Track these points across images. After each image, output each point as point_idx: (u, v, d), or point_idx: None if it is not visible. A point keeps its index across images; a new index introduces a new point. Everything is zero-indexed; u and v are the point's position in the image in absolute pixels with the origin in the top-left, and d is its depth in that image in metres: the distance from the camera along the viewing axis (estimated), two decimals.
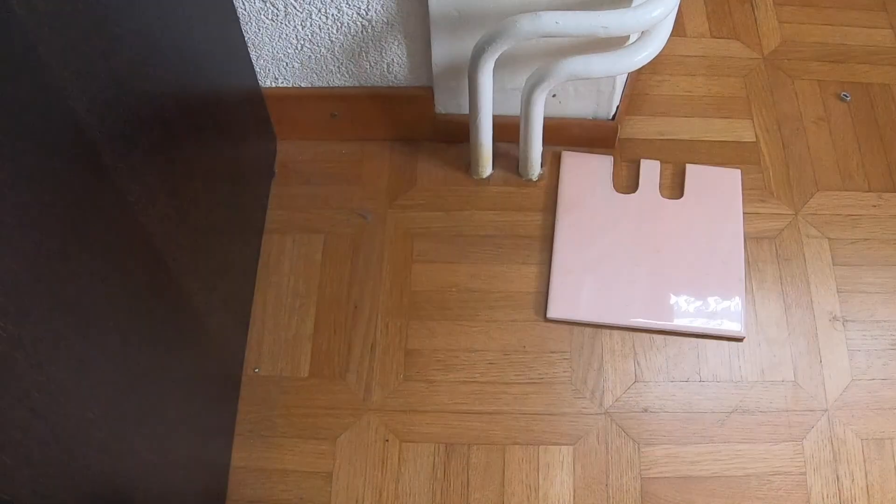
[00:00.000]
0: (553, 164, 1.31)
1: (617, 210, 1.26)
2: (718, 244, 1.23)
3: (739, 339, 1.17)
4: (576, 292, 1.20)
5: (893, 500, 1.09)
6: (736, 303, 1.19)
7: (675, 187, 1.29)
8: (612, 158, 1.30)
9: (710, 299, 1.19)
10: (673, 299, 1.19)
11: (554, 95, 1.24)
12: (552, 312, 1.19)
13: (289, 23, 1.14)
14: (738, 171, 1.30)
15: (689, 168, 1.30)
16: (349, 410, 1.13)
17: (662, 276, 1.21)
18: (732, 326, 1.18)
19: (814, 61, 1.44)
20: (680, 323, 1.18)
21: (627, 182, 1.29)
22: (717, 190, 1.28)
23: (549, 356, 1.17)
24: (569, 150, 1.31)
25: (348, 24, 1.14)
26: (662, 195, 1.28)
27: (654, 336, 1.18)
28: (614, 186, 1.28)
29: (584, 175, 1.29)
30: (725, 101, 1.39)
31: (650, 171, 1.29)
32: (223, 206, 1.06)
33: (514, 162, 1.31)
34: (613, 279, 1.21)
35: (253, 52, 1.19)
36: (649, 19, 1.02)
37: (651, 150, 1.34)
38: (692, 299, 1.19)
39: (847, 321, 1.20)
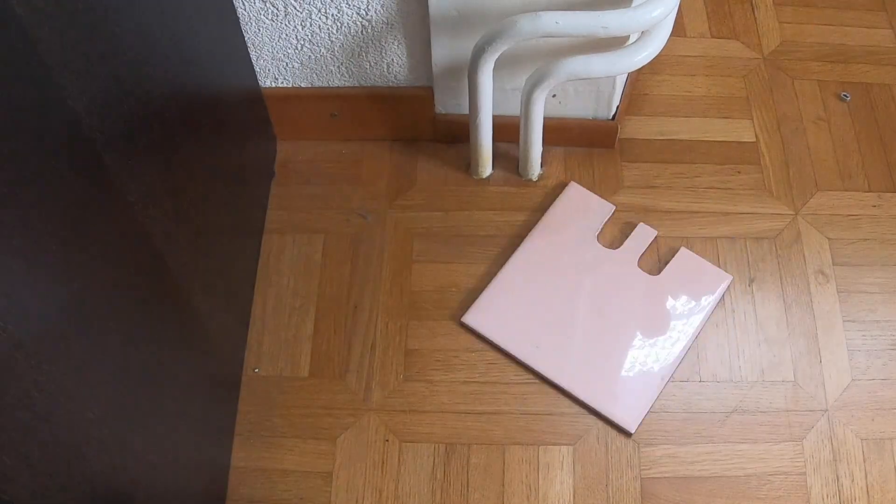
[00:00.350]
0: (554, 164, 1.31)
1: (587, 258, 1.22)
2: (663, 338, 1.16)
3: (627, 434, 1.11)
4: (500, 311, 1.17)
5: (893, 501, 1.09)
6: (644, 401, 1.12)
7: (656, 263, 1.23)
8: (613, 208, 1.26)
9: (622, 384, 1.13)
10: (585, 366, 1.14)
11: (554, 95, 1.24)
12: (467, 318, 1.17)
13: (289, 23, 1.14)
14: (730, 278, 1.21)
15: (683, 252, 1.23)
16: (349, 410, 1.13)
17: (589, 340, 1.16)
18: (626, 420, 1.11)
19: (814, 61, 1.44)
20: (577, 390, 1.12)
21: (613, 237, 1.24)
22: (697, 285, 1.21)
23: None
24: (577, 185, 1.27)
25: (348, 24, 1.14)
26: (639, 264, 1.22)
27: None
28: (599, 234, 1.24)
29: (578, 211, 1.26)
30: (725, 101, 1.39)
31: (641, 236, 1.24)
32: (223, 206, 1.06)
33: (514, 162, 1.31)
34: (540, 317, 1.17)
35: (253, 52, 1.19)
36: (649, 19, 1.02)
37: (651, 150, 1.34)
38: (603, 376, 1.13)
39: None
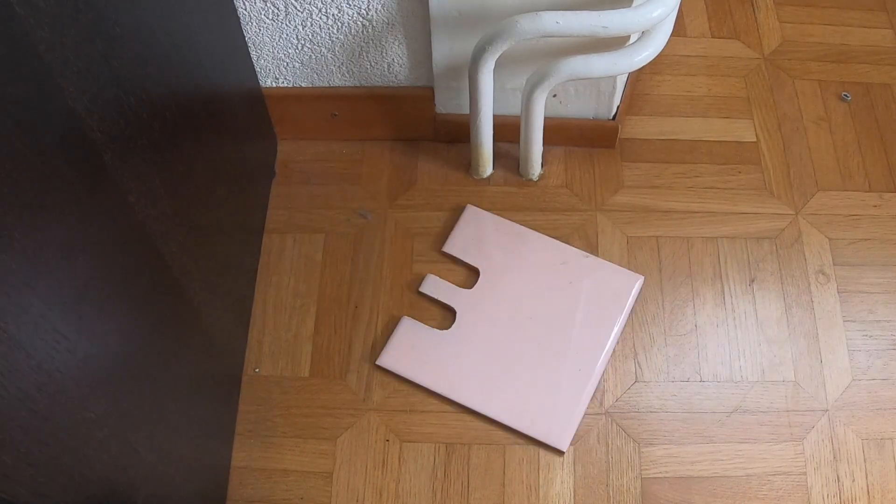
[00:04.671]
0: (554, 164, 1.31)
1: (469, 339, 1.15)
2: (541, 261, 1.18)
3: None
4: (551, 416, 1.10)
5: (893, 500, 1.09)
6: (608, 269, 1.13)
7: (464, 271, 1.21)
8: (408, 319, 1.17)
9: (600, 290, 1.14)
10: (588, 328, 1.14)
11: (554, 95, 1.24)
12: (564, 445, 1.10)
13: (289, 22, 1.14)
14: (469, 206, 1.23)
15: (446, 248, 1.22)
16: (349, 410, 1.13)
17: (560, 327, 1.15)
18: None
19: (814, 61, 1.44)
20: (615, 329, 1.13)
21: (440, 313, 1.19)
22: (480, 234, 1.21)
23: None
24: (380, 357, 1.14)
25: (349, 23, 1.14)
26: (469, 288, 1.19)
27: (655, 335, 1.18)
28: (440, 328, 1.16)
29: (413, 353, 1.15)
30: (726, 101, 1.39)
31: (436, 287, 1.19)
32: (223, 206, 1.06)
33: (515, 162, 1.31)
34: (546, 375, 1.13)
35: (253, 52, 1.19)
36: (650, 19, 1.02)
37: (651, 150, 1.34)
38: (594, 309, 1.14)
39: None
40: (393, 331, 1.17)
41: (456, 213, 1.26)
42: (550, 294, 1.18)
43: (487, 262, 1.21)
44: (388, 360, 1.15)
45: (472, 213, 1.25)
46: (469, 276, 1.22)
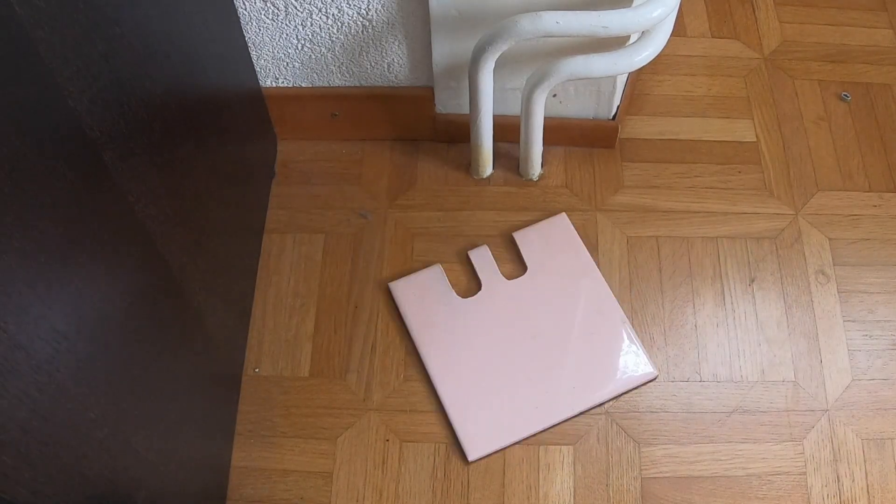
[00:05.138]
0: (554, 164, 1.32)
1: (472, 317, 1.17)
2: (585, 298, 1.18)
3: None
4: (483, 424, 1.10)
5: (893, 501, 1.09)
6: (634, 347, 1.15)
7: (514, 262, 1.22)
8: (439, 267, 1.20)
9: (609, 358, 1.14)
10: (574, 381, 1.12)
11: (554, 95, 1.24)
12: (473, 455, 1.08)
13: (289, 22, 1.14)
14: (563, 215, 1.24)
15: (517, 235, 1.23)
16: (349, 410, 1.13)
17: (551, 363, 1.13)
18: (644, 371, 1.13)
19: (814, 61, 1.44)
20: (595, 398, 1.11)
21: (467, 282, 1.21)
22: (554, 242, 1.22)
23: None
24: (395, 281, 1.19)
25: (349, 23, 1.14)
26: (507, 278, 1.20)
27: (655, 335, 1.18)
28: (458, 293, 1.19)
29: (423, 296, 1.18)
30: (726, 101, 1.39)
31: (482, 258, 1.21)
32: (223, 206, 1.06)
33: (515, 162, 1.31)
34: (509, 393, 1.12)
35: (253, 52, 1.19)
36: (650, 19, 1.02)
37: (651, 150, 1.34)
38: (591, 368, 1.13)
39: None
40: (420, 269, 1.21)
41: (548, 214, 1.26)
42: (567, 331, 1.17)
43: (538, 268, 1.21)
44: (398, 288, 1.19)
45: (560, 221, 1.25)
46: (514, 269, 1.22)
